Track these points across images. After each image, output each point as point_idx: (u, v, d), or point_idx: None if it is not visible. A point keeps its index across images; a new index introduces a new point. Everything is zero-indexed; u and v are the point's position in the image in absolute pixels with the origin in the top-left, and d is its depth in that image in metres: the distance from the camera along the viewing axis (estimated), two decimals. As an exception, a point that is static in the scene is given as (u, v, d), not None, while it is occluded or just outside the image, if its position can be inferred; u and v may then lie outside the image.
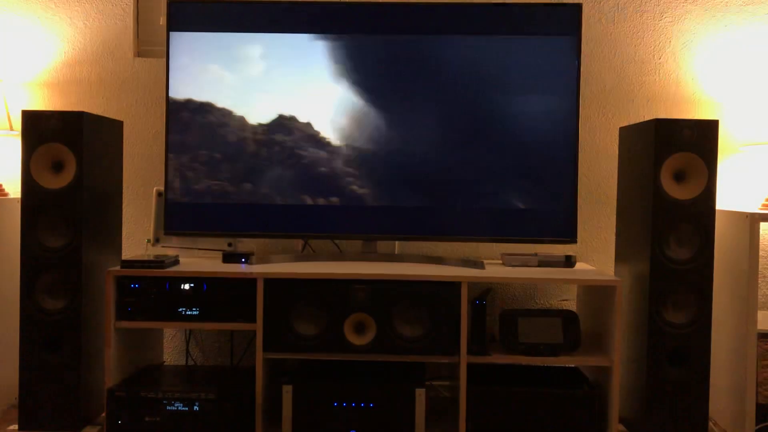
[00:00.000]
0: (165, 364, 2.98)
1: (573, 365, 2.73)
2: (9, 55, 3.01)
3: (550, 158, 2.66)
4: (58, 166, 2.45)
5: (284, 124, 2.68)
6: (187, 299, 2.48)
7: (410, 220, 2.69)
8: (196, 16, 2.70)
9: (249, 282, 2.45)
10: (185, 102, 2.70)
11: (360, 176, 2.68)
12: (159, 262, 2.51)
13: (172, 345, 3.04)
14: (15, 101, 2.99)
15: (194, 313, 2.48)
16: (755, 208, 2.81)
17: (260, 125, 2.69)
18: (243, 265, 2.59)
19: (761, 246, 2.79)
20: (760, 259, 2.60)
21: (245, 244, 2.89)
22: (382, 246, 2.84)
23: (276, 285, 2.45)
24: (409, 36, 2.68)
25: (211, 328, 2.77)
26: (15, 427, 2.48)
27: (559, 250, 2.84)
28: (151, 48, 3.05)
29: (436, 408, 2.69)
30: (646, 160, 2.43)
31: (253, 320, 2.45)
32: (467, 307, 2.42)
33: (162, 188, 2.75)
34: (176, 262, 2.65)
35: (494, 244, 2.89)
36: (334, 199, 2.68)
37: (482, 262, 2.67)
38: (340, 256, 2.79)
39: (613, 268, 2.80)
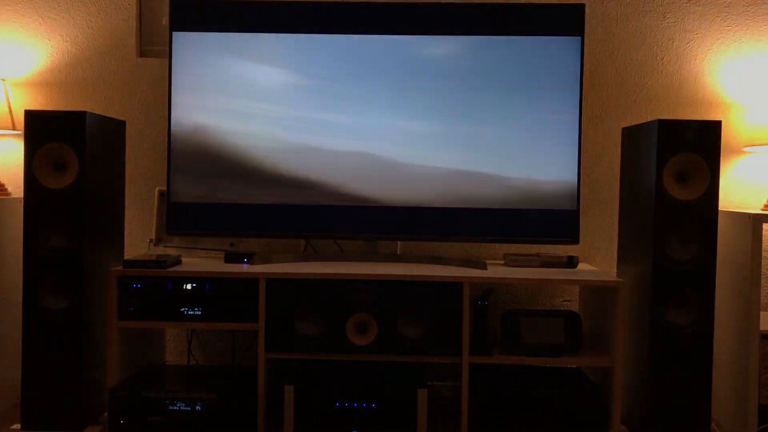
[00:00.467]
0: (167, 363, 2.98)
1: (575, 366, 2.73)
2: (12, 55, 3.01)
3: (553, 158, 2.65)
4: (60, 166, 2.45)
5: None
6: (189, 299, 2.48)
7: (412, 220, 2.69)
8: (199, 16, 2.71)
9: (251, 282, 2.45)
10: (188, 102, 2.70)
11: (360, 176, 2.68)
12: (161, 262, 2.51)
13: (174, 345, 3.04)
14: (18, 101, 2.99)
15: (196, 312, 2.48)
16: (758, 209, 2.81)
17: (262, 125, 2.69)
18: (245, 265, 2.60)
19: (764, 247, 2.78)
20: (762, 260, 2.60)
21: (247, 244, 2.89)
22: (384, 246, 2.84)
23: (278, 285, 2.45)
24: (409, 36, 2.68)
25: (213, 327, 2.77)
26: (17, 426, 2.48)
27: (562, 250, 2.84)
28: (153, 48, 3.05)
29: (438, 408, 2.68)
30: (648, 160, 2.42)
31: (255, 320, 2.45)
32: (469, 307, 2.42)
33: (164, 188, 2.75)
34: (178, 262, 2.65)
35: (496, 244, 2.89)
36: (336, 200, 2.68)
37: (484, 263, 2.67)
38: (342, 257, 2.79)
39: (615, 269, 2.80)
